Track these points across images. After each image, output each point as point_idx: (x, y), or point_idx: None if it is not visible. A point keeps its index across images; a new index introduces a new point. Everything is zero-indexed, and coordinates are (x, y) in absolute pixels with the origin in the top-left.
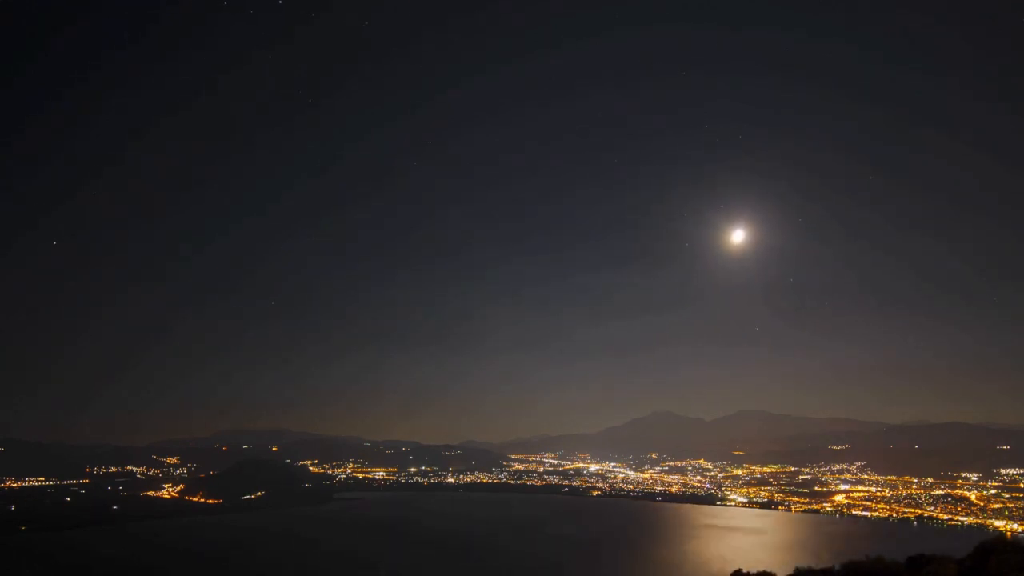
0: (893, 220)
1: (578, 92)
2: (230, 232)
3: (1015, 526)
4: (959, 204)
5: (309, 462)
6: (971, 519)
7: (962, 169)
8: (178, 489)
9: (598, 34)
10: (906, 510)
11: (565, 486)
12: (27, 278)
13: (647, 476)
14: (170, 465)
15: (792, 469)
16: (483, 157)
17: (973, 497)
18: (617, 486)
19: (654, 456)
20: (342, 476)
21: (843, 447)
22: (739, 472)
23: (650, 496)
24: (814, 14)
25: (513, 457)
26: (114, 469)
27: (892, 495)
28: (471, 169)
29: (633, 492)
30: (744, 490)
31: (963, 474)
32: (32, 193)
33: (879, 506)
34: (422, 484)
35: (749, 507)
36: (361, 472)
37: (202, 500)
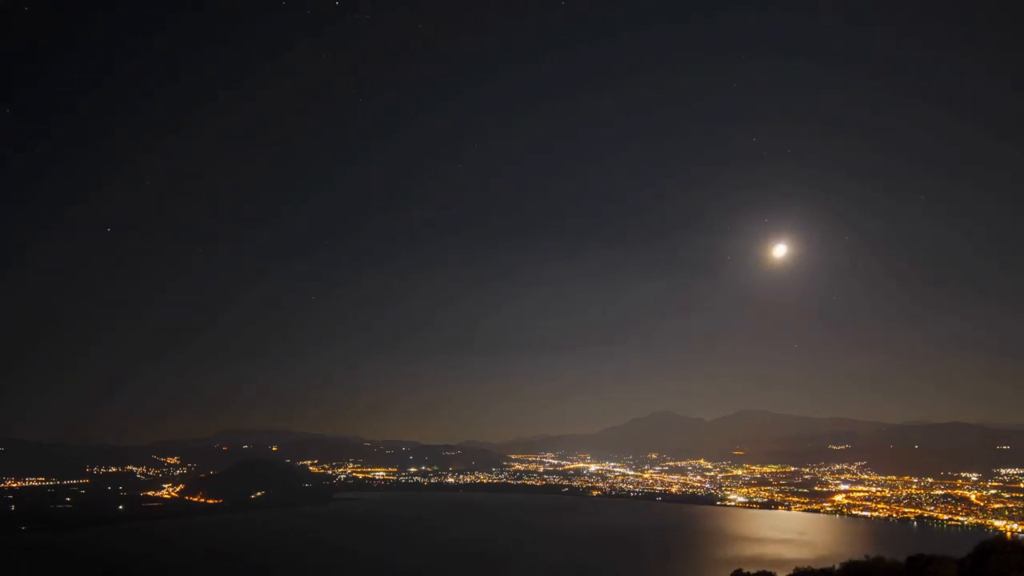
0: (931, 239)
1: (624, 96)
2: (236, 237)
3: (1015, 526)
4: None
5: (309, 462)
6: (971, 519)
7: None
8: (178, 489)
9: (641, 39)
10: (906, 510)
11: (565, 486)
12: (29, 279)
13: (647, 476)
14: (170, 465)
15: (792, 469)
16: (504, 161)
17: (973, 497)
18: (617, 486)
19: (654, 456)
20: (342, 476)
21: (843, 447)
22: (739, 472)
23: (650, 496)
24: (871, 34)
25: (513, 457)
26: (114, 469)
27: (892, 495)
28: (489, 174)
29: (633, 492)
30: (744, 490)
31: (963, 474)
32: (38, 198)
33: (879, 506)
34: (422, 484)
35: (749, 507)
36: (361, 472)
37: (202, 500)
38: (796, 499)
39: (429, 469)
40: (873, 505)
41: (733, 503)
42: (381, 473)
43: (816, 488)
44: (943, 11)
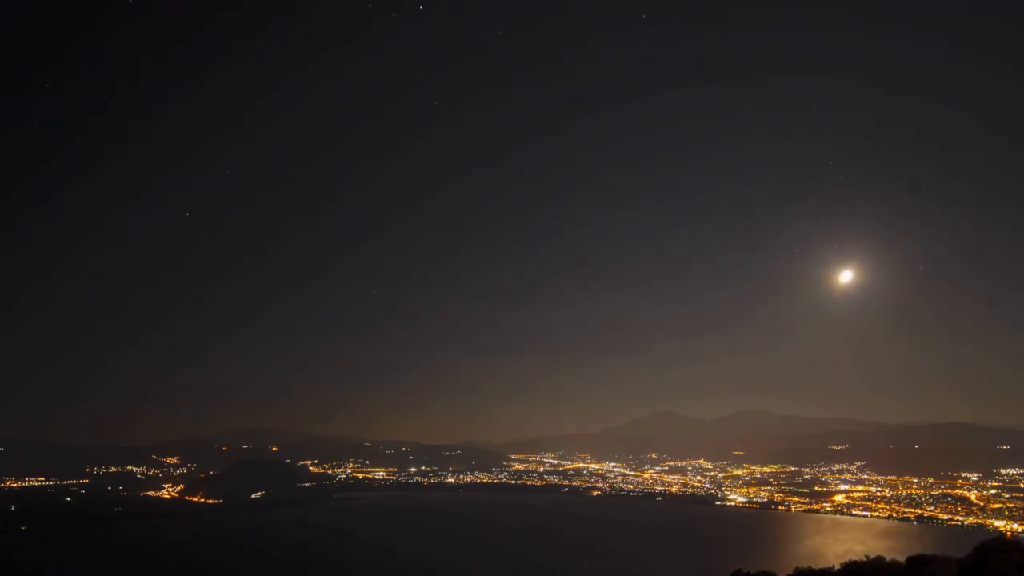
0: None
1: (700, 112)
2: (238, 248)
3: (1015, 526)
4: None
5: (309, 462)
6: (971, 519)
7: None
8: (178, 489)
9: (716, 55)
10: (906, 510)
11: (565, 486)
12: (30, 281)
13: (647, 476)
14: (170, 465)
15: (792, 469)
16: (549, 162)
17: (973, 497)
18: (617, 486)
19: (654, 456)
20: (342, 476)
21: (843, 447)
22: (739, 472)
23: (650, 496)
24: (958, 62)
25: (513, 457)
26: (114, 469)
27: (892, 495)
28: (518, 175)
29: (633, 492)
30: (744, 490)
31: (963, 474)
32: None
33: (879, 506)
34: (422, 484)
35: (749, 507)
36: (361, 472)
37: (202, 500)
38: (796, 499)
39: (429, 469)
40: (873, 505)
41: (733, 503)
42: (381, 473)
43: (816, 488)
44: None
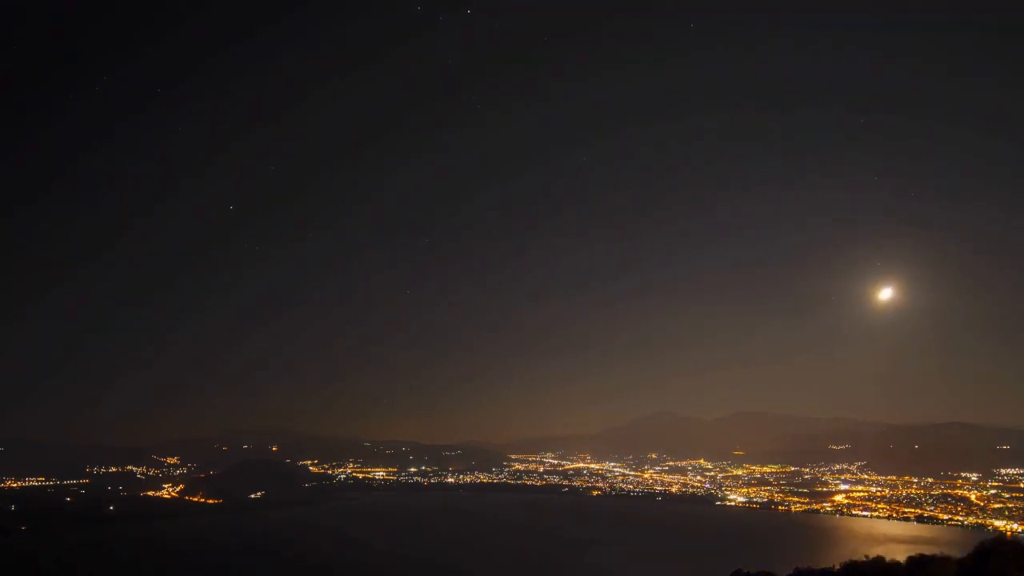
0: None
1: (739, 134)
2: (235, 236)
3: (1015, 526)
4: None
5: (309, 462)
6: (971, 519)
7: None
8: (178, 489)
9: (756, 70)
10: (906, 510)
11: (565, 486)
12: (28, 279)
13: (647, 476)
14: (170, 465)
15: (792, 469)
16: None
17: (973, 497)
18: (617, 486)
19: (654, 456)
20: (342, 476)
21: (843, 447)
22: (739, 472)
23: (650, 496)
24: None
25: (513, 457)
26: (114, 469)
27: (892, 495)
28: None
29: (633, 492)
30: (744, 490)
31: (963, 474)
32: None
33: (879, 506)
34: (422, 484)
35: (749, 507)
36: (361, 472)
37: (202, 500)
38: (796, 499)
39: (429, 469)
40: (873, 505)
41: (733, 503)
42: (381, 473)
43: (816, 488)
44: None
